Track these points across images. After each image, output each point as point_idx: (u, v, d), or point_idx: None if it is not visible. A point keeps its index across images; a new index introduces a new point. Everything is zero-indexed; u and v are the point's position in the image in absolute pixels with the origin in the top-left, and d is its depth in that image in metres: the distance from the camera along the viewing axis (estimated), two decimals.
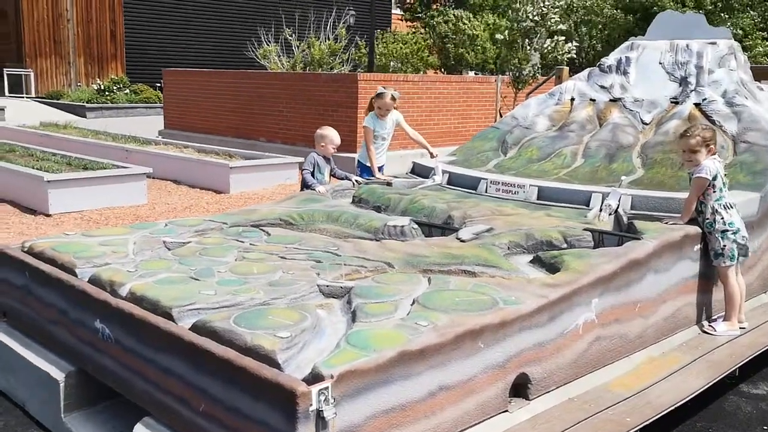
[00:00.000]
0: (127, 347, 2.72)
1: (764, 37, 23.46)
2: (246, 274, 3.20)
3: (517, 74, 9.78)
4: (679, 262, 3.72)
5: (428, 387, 2.50)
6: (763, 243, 4.49)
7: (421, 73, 22.42)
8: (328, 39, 21.54)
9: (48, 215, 7.32)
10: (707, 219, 3.88)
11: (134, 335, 2.68)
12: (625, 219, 4.09)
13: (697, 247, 3.86)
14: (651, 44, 6.06)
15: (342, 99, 11.54)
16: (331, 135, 5.36)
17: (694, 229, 3.87)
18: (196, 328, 2.57)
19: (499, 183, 4.89)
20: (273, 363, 2.30)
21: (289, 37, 20.76)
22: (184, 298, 2.79)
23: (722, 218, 3.85)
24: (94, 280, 3.03)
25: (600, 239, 3.80)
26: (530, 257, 3.70)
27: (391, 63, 22.74)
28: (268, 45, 20.63)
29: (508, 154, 5.80)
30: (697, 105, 5.45)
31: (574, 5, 26.00)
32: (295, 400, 2.09)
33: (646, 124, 5.59)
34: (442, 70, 27.60)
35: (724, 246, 3.84)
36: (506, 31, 9.89)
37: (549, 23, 9.24)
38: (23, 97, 23.12)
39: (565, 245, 3.76)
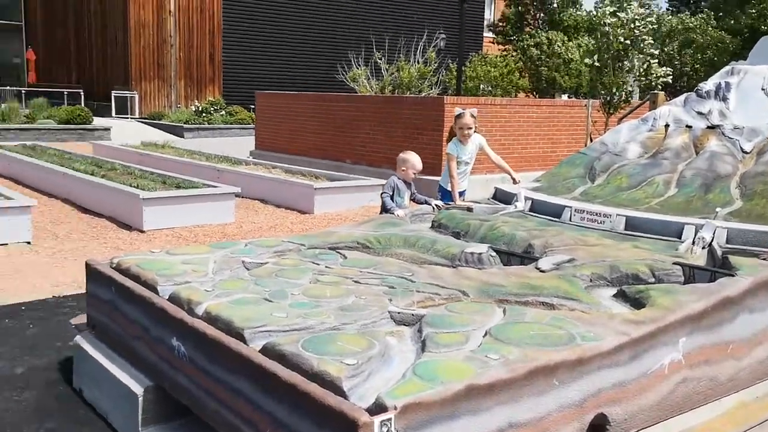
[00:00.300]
0: (200, 366, 2.77)
1: None
2: (319, 297, 3.20)
3: (608, 98, 9.48)
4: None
5: (497, 423, 2.41)
6: None
7: (512, 96, 22.21)
8: (418, 62, 21.72)
9: (142, 231, 7.64)
10: None
11: (207, 354, 2.73)
12: (719, 253, 3.85)
13: None
14: (753, 69, 5.75)
15: (427, 122, 11.55)
16: (412, 160, 5.35)
17: None
18: (265, 351, 2.58)
19: (584, 211, 4.72)
20: (338, 390, 2.27)
21: (379, 61, 21.08)
22: (257, 319, 2.81)
23: None
24: (174, 298, 3.10)
25: (691, 274, 3.59)
26: (614, 291, 3.53)
27: (481, 86, 22.66)
28: (357, 68, 21.02)
29: (596, 182, 5.61)
30: None
31: (675, 27, 25.18)
32: (357, 430, 2.05)
33: (746, 153, 5.28)
34: (534, 93, 27.26)
35: None
36: (595, 55, 9.62)
37: (641, 46, 8.94)
38: (128, 118, 24.44)
39: (652, 279, 3.58)
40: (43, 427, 3.20)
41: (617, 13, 9.56)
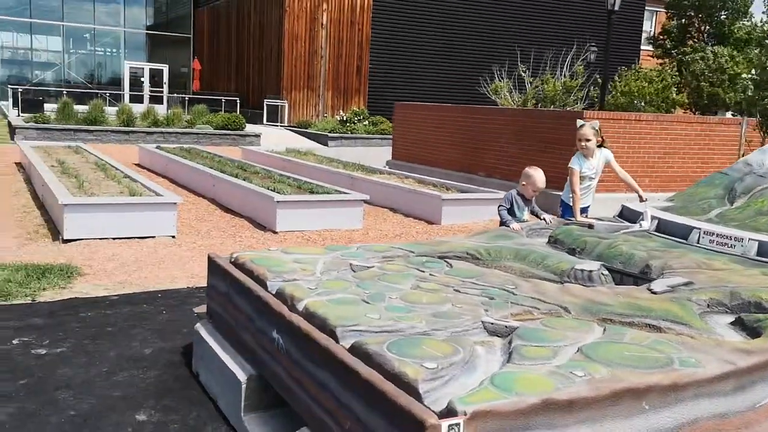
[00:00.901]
0: (294, 359, 2.92)
1: None
2: (415, 302, 3.26)
3: (766, 118, 8.78)
4: None
5: None
6: None
7: (667, 112, 21.09)
8: (564, 76, 21.23)
9: (275, 232, 8.07)
10: None
11: (300, 348, 2.87)
12: None
13: None
14: None
15: (563, 136, 11.28)
16: (535, 177, 5.27)
17: None
18: (352, 349, 2.68)
19: (713, 234, 4.44)
20: (414, 392, 2.32)
21: (523, 74, 20.84)
22: (350, 318, 2.92)
23: None
24: (279, 293, 3.29)
25: None
26: (732, 318, 3.31)
27: (635, 102, 21.71)
28: (500, 81, 20.89)
29: (735, 204, 5.25)
30: None
31: None
32: (423, 431, 2.09)
33: None
34: (693, 110, 25.74)
35: None
36: (758, 69, 8.94)
37: None
38: (277, 125, 25.81)
39: None
40: (160, 403, 3.50)
41: None
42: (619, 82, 21.40)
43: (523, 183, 5.26)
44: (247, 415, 3.28)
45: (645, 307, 3.25)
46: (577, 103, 20.72)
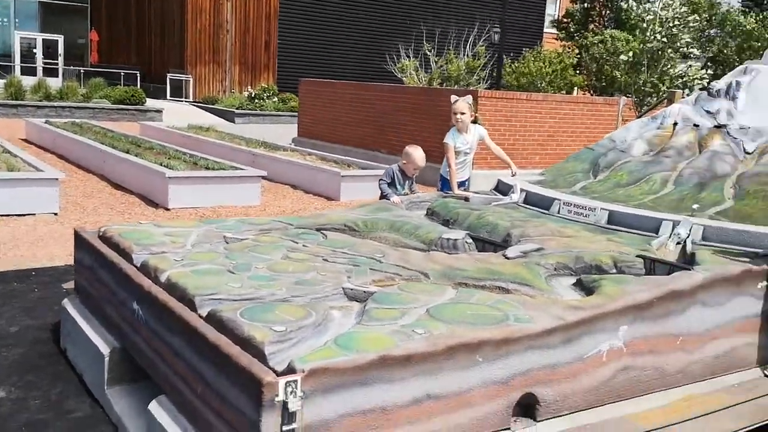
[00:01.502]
0: (153, 329, 2.98)
1: None
2: (280, 271, 3.38)
3: (640, 98, 9.33)
4: (736, 298, 3.47)
5: (413, 394, 2.54)
6: None
7: (568, 93, 21.86)
8: (467, 56, 21.65)
9: (167, 209, 7.98)
10: None
11: (158, 318, 2.94)
12: (689, 248, 3.86)
13: (763, 284, 3.57)
14: (765, 69, 5.65)
15: None
16: (414, 156, 5.42)
17: (760, 267, 3.59)
18: (207, 317, 2.77)
19: (571, 205, 4.76)
20: (260, 354, 2.44)
21: (428, 53, 21.12)
22: (210, 287, 3.01)
23: None
24: (143, 266, 3.33)
25: (651, 267, 3.63)
26: (574, 280, 3.60)
27: (536, 82, 22.40)
28: (406, 60, 21.09)
29: (598, 177, 5.63)
30: None
31: (737, 27, 24.33)
32: (261, 389, 2.21)
33: (749, 153, 5.21)
34: (591, 91, 26.79)
35: None
36: (630, 52, 9.46)
37: (678, 44, 8.73)
38: (182, 101, 25.15)
39: (614, 270, 3.63)
40: (23, 380, 3.48)
41: (655, 10, 9.40)
42: (522, 62, 22.03)
43: (404, 161, 5.44)
44: (111, 388, 3.31)
45: (497, 271, 3.49)
46: (480, 83, 21.23)
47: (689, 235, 4.06)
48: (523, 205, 5.18)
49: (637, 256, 3.70)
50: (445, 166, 5.95)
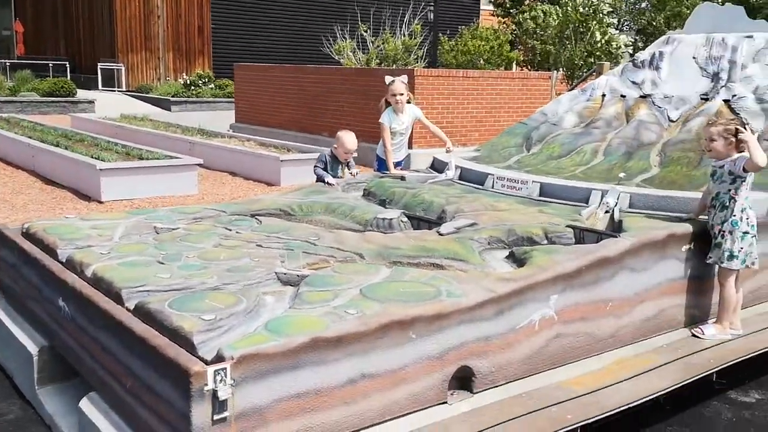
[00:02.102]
0: (81, 325, 2.90)
1: None
2: (212, 259, 3.33)
3: (572, 71, 9.48)
4: (662, 261, 3.58)
5: (347, 374, 2.54)
6: None
7: (506, 69, 22.03)
8: (404, 35, 21.61)
9: (100, 202, 7.76)
10: (733, 216, 3.69)
11: (85, 314, 2.86)
12: (617, 217, 3.96)
13: (686, 247, 3.70)
14: (687, 38, 5.81)
15: None
16: (344, 140, 5.36)
17: (682, 228, 3.71)
18: (135, 309, 2.72)
19: (504, 179, 4.83)
20: (189, 344, 2.40)
21: (364, 33, 20.99)
22: (138, 279, 2.94)
23: (748, 218, 3.69)
24: (69, 261, 3.24)
25: (581, 236, 3.71)
26: (507, 253, 3.66)
27: (472, 60, 22.51)
28: (343, 41, 20.94)
29: (531, 151, 5.71)
30: (726, 101, 5.19)
31: None
32: (189, 379, 2.18)
33: (673, 121, 5.37)
34: (528, 67, 27.09)
35: (741, 248, 3.66)
36: (555, 23, 9.58)
37: (600, 15, 8.87)
38: (114, 91, 24.43)
39: (545, 242, 3.70)
40: None
41: None
42: (460, 40, 22.11)
43: (335, 146, 5.39)
44: (41, 387, 3.22)
45: (431, 248, 3.51)
46: (417, 62, 21.25)
47: (617, 203, 4.17)
48: (458, 181, 5.22)
49: (567, 226, 3.77)
50: (382, 146, 5.94)
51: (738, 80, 5.24)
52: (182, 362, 2.23)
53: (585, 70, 9.38)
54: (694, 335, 3.72)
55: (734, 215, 3.68)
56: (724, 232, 3.69)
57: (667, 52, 5.83)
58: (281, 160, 9.76)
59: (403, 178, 5.32)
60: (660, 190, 4.21)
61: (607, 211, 4.13)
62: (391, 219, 4.14)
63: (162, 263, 3.24)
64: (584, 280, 3.25)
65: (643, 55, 6.00)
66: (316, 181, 5.30)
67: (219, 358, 2.29)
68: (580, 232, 3.72)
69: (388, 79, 5.70)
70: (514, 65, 23.74)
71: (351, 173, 5.28)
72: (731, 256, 3.68)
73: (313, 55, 25.93)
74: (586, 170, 5.08)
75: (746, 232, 3.68)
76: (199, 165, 9.06)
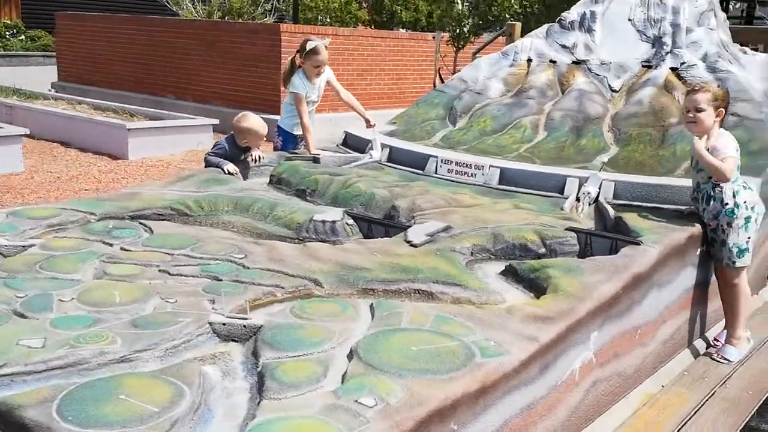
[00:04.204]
0: None
1: None
2: (102, 304, 2.19)
3: (456, 31, 8.81)
4: (683, 271, 2.95)
5: None
6: (760, 236, 3.78)
7: (353, 27, 21.08)
8: None
9: None
10: (726, 206, 3.07)
11: None
12: (611, 212, 3.25)
13: (700, 249, 3.08)
14: None
15: (263, 52, 10.34)
16: (255, 128, 4.11)
17: (698, 229, 3.09)
18: None
19: (452, 162, 3.98)
20: None
21: None
22: None
23: (745, 202, 3.07)
24: None
25: (587, 242, 2.96)
26: (500, 266, 2.83)
27: (318, 17, 21.31)
28: None
29: (458, 124, 4.90)
30: (673, 70, 4.68)
31: None
32: None
33: (615, 91, 4.79)
34: (373, 26, 26.26)
35: (749, 238, 3.07)
36: None
37: None
38: None
39: (543, 249, 2.92)
40: None
41: None
42: None
43: (245, 140, 4.12)
44: None
45: (410, 268, 2.60)
46: (265, 16, 19.77)
47: (599, 193, 3.48)
48: (388, 164, 4.30)
49: (567, 229, 3.01)
50: (288, 117, 4.81)
51: (684, 46, 4.74)
52: None
53: (471, 32, 8.72)
54: (714, 359, 3.12)
55: (726, 204, 3.08)
56: (722, 226, 3.11)
57: (598, 12, 5.22)
58: (128, 129, 8.24)
59: (316, 160, 4.30)
60: (649, 177, 3.57)
61: (590, 203, 3.43)
62: (333, 222, 3.15)
63: (23, 316, 2.06)
64: (621, 307, 2.50)
65: (571, 15, 5.36)
66: (207, 166, 4.11)
67: None
68: (587, 237, 2.95)
69: (311, 43, 4.55)
70: (358, 24, 22.84)
71: (251, 157, 4.14)
72: (741, 251, 3.11)
73: (145, 4, 23.43)
74: (531, 149, 4.35)
75: (748, 218, 3.11)
76: (25, 135, 7.37)
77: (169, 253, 2.74)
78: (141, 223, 3.14)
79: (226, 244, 2.89)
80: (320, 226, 3.13)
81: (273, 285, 2.47)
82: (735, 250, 3.11)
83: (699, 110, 3.09)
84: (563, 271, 2.54)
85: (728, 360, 3.09)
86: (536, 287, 2.56)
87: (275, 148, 4.89)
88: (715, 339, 3.26)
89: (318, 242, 3.00)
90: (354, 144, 4.70)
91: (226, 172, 3.95)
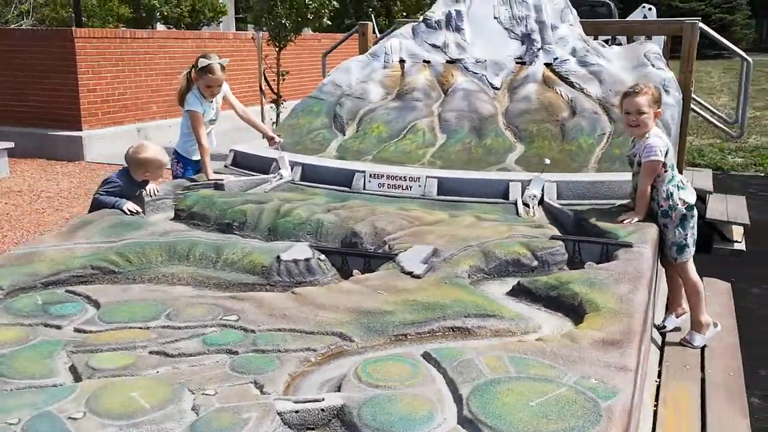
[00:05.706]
0: None
1: None
2: (130, 414, 1.69)
3: (278, 31, 8.42)
4: (655, 265, 3.04)
5: None
6: None
7: (114, 27, 19.43)
8: None
9: None
10: (661, 207, 3.22)
11: None
12: (570, 214, 3.27)
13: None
14: None
15: (54, 62, 9.11)
16: (156, 158, 3.44)
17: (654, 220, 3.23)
18: None
19: (383, 176, 3.75)
20: None
21: None
22: None
23: (681, 200, 3.23)
24: None
25: (575, 248, 2.93)
26: (498, 285, 2.70)
27: (83, 18, 19.33)
28: None
29: (347, 132, 4.67)
30: (548, 65, 4.87)
31: None
32: None
33: (497, 88, 4.87)
34: (134, 25, 24.48)
35: (687, 234, 3.24)
36: None
37: None
38: None
39: (536, 263, 2.83)
40: None
41: None
42: None
43: (146, 173, 3.46)
44: None
45: (432, 304, 2.38)
46: (23, 19, 17.55)
47: (543, 194, 3.49)
48: (303, 183, 3.94)
49: (551, 238, 2.95)
50: (185, 142, 4.18)
51: (554, 42, 4.95)
52: None
53: (292, 30, 8.36)
54: (683, 344, 3.28)
55: (661, 206, 3.25)
56: (661, 226, 3.26)
57: (463, 10, 5.28)
58: None
59: (220, 186, 3.81)
60: (587, 175, 3.65)
61: (539, 205, 3.43)
62: (306, 260, 2.78)
63: None
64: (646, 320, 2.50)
65: (437, 15, 5.36)
66: (97, 208, 3.44)
67: None
68: (575, 243, 2.91)
69: (203, 61, 3.93)
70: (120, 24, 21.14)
71: (146, 192, 3.56)
72: (681, 248, 3.30)
73: None
74: (437, 153, 4.27)
75: (684, 216, 3.30)
76: None
77: (143, 328, 2.22)
78: (69, 292, 2.53)
79: (202, 304, 2.41)
80: (293, 267, 2.75)
81: (303, 349, 2.10)
82: (675, 248, 3.29)
83: (641, 113, 3.18)
84: (587, 286, 2.47)
85: (694, 345, 3.27)
86: (560, 305, 2.47)
87: (175, 177, 4.26)
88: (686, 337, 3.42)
89: (298, 286, 2.64)
90: (246, 163, 4.25)
91: (128, 212, 3.35)
